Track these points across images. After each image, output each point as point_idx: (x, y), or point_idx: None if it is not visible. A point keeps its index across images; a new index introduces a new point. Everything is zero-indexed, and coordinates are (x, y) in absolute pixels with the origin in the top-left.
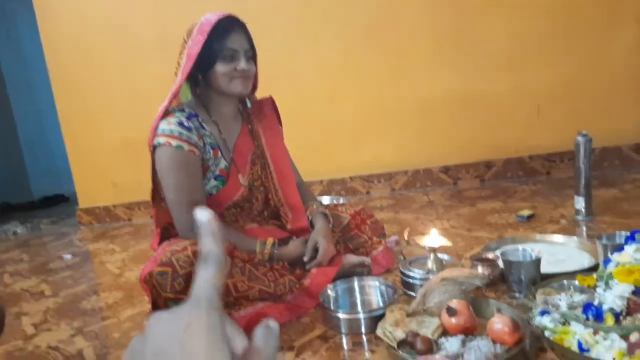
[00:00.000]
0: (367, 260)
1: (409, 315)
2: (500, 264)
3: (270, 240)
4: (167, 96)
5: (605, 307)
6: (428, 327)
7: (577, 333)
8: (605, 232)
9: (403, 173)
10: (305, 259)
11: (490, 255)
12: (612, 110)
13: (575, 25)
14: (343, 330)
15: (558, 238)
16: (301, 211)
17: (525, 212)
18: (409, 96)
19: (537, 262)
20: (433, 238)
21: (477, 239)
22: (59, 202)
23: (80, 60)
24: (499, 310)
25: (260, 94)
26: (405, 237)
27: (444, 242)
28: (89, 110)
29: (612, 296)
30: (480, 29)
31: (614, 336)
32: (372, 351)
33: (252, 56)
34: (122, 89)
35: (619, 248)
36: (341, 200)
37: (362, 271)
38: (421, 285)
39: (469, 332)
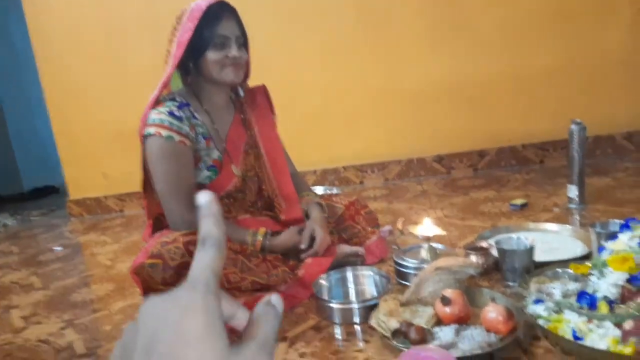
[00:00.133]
0: (360, 250)
1: (402, 304)
2: (494, 252)
3: (262, 230)
4: (157, 85)
5: (599, 295)
6: (422, 317)
7: (571, 321)
8: (599, 220)
9: (396, 162)
10: (303, 246)
11: (484, 244)
12: (605, 98)
13: (568, 12)
14: (337, 320)
15: (551, 226)
16: (295, 201)
17: (519, 201)
18: (402, 85)
19: (531, 250)
20: (427, 227)
21: (470, 228)
22: (49, 193)
23: (69, 49)
24: (493, 299)
25: (252, 82)
26: (399, 227)
27: (437, 231)
28: (79, 101)
29: (606, 284)
30: (472, 18)
31: (608, 324)
32: (366, 341)
33: (243, 43)
34: (111, 78)
35: (613, 236)
36: (335, 190)
37: (355, 261)
38: (415, 275)
39: (463, 321)
